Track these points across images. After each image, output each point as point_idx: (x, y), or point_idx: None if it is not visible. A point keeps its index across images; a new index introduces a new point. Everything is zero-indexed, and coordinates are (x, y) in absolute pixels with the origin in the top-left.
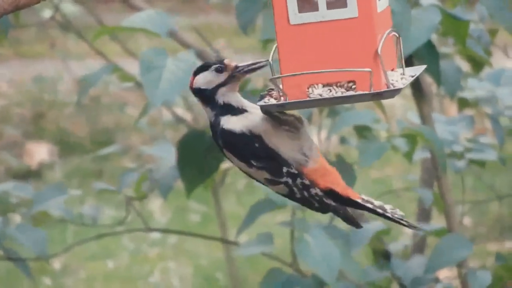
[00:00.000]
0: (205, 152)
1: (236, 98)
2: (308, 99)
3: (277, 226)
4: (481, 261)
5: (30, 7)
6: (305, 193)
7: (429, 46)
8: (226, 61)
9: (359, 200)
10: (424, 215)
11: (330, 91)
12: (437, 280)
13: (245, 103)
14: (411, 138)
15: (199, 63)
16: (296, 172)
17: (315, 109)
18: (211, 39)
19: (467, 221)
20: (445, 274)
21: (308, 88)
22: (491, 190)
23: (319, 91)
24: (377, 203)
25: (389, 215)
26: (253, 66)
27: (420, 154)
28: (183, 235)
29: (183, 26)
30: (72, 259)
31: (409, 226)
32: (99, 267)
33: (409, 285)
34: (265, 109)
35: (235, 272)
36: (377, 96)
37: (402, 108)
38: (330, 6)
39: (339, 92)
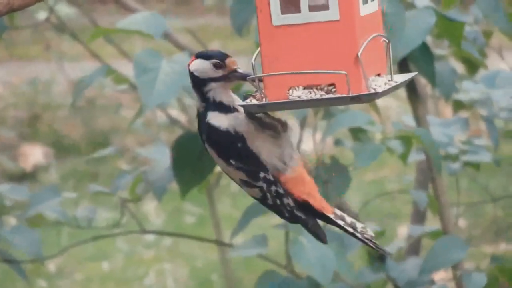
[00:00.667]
0: (199, 154)
1: (228, 97)
2: (287, 100)
3: (272, 228)
4: (476, 263)
5: (25, 9)
6: (278, 201)
7: (424, 48)
8: (227, 61)
9: (332, 216)
10: (419, 216)
11: (310, 93)
12: (432, 282)
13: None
14: (406, 140)
15: None
16: (272, 179)
17: (310, 111)
18: (206, 41)
19: (462, 223)
20: (440, 276)
21: (288, 90)
22: (486, 192)
23: (298, 93)
24: (349, 220)
25: (358, 235)
26: (249, 76)
27: (415, 156)
28: (178, 237)
29: (178, 28)
30: (67, 261)
31: (378, 249)
32: (94, 269)
33: (404, 287)
34: (246, 109)
35: (230, 274)
36: (356, 100)
37: (397, 110)
38: (312, 8)
39: (318, 95)
